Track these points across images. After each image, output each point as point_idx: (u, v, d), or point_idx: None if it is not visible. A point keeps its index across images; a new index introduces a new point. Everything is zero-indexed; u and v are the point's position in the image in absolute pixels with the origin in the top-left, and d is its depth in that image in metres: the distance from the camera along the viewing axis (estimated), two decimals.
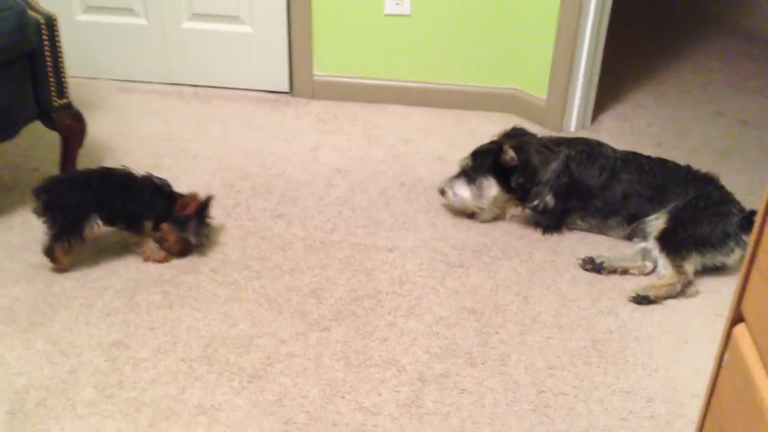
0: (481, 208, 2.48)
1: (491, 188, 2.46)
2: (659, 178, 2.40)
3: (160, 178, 2.24)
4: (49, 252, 2.10)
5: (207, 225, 2.25)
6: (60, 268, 2.13)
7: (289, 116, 3.16)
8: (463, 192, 2.46)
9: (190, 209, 2.19)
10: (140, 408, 1.71)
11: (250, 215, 2.46)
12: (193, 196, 2.21)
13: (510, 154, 2.41)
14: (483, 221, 2.50)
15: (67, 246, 2.10)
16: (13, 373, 1.79)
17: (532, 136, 2.56)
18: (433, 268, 2.25)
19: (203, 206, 2.21)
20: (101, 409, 1.70)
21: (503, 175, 2.45)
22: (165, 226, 2.18)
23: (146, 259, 2.20)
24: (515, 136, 2.54)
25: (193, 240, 2.22)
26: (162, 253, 2.20)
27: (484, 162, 2.45)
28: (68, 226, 2.09)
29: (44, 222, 2.10)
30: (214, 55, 3.29)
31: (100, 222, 2.13)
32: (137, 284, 2.11)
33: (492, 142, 2.52)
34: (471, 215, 2.50)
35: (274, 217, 2.46)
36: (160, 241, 2.21)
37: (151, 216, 2.18)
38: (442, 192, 2.49)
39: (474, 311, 2.08)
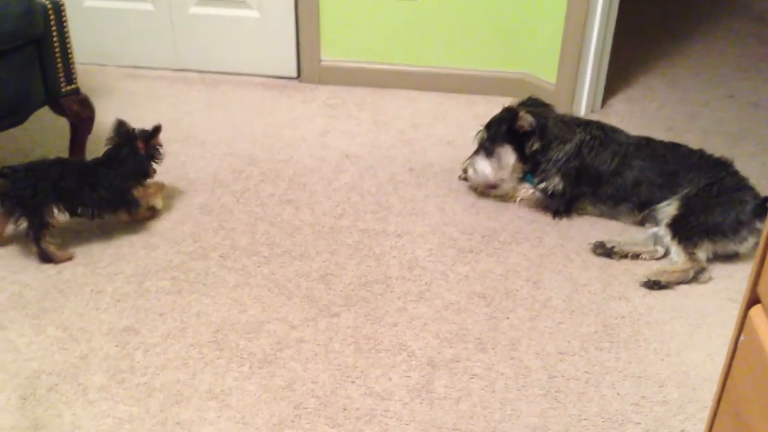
0: (503, 180, 2.46)
1: (509, 156, 2.44)
2: (671, 164, 2.38)
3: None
4: (43, 256, 2.10)
5: (161, 155, 2.31)
6: (63, 258, 2.13)
7: (296, 102, 3.15)
8: (483, 167, 2.44)
9: (141, 148, 2.24)
10: (151, 393, 1.72)
11: (258, 201, 2.46)
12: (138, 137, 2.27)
13: (527, 119, 2.39)
14: (505, 193, 2.49)
15: (46, 237, 2.09)
16: (25, 359, 1.79)
17: (549, 107, 2.53)
18: (443, 254, 2.24)
19: (150, 136, 2.26)
20: (112, 394, 1.71)
21: (519, 142, 2.43)
22: (137, 191, 2.22)
23: (137, 219, 2.27)
24: (531, 105, 2.51)
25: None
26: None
27: (499, 129, 2.43)
28: (35, 221, 2.07)
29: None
30: (221, 41, 3.27)
31: (62, 210, 2.13)
32: (147, 270, 2.11)
33: (504, 110, 2.50)
34: (493, 188, 2.49)
35: (282, 202, 2.45)
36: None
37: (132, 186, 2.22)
38: (464, 171, 2.50)
39: (484, 296, 2.07)
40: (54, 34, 2.26)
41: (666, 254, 2.25)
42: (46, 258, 2.10)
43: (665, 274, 2.14)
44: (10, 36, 2.14)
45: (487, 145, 2.45)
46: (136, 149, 2.24)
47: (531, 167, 2.46)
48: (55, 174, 2.12)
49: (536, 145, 2.41)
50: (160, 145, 2.30)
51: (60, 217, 2.14)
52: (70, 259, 2.14)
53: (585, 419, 1.70)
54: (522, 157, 2.44)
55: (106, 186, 2.16)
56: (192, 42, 3.29)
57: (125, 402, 1.69)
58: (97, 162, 2.23)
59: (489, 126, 2.47)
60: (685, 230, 2.22)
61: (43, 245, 2.09)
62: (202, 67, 3.34)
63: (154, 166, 2.29)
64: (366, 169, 2.67)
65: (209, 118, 2.98)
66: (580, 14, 2.90)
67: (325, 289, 2.07)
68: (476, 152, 2.48)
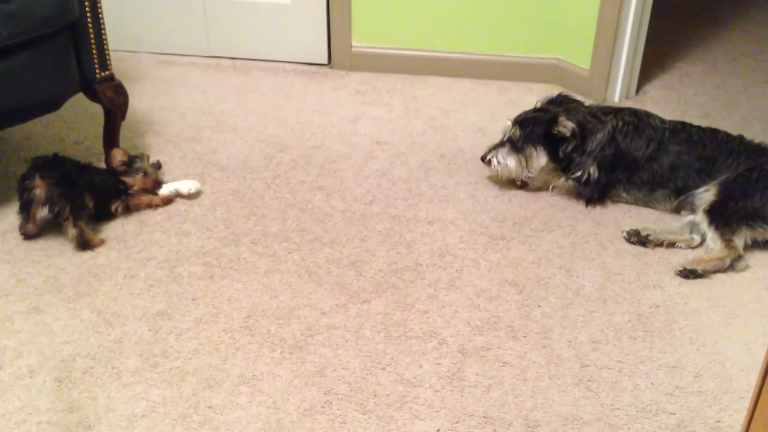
0: (530, 177, 2.44)
1: (540, 158, 2.41)
2: (709, 149, 2.33)
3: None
4: (81, 240, 2.13)
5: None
6: (98, 242, 2.15)
7: (327, 88, 3.14)
8: (510, 161, 2.41)
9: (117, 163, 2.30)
10: (184, 377, 1.73)
11: (289, 187, 2.46)
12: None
13: (568, 125, 2.36)
14: (533, 189, 2.47)
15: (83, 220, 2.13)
16: (60, 342, 1.82)
17: (579, 103, 2.50)
18: (474, 241, 2.23)
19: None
20: (146, 377, 1.73)
21: (552, 144, 2.40)
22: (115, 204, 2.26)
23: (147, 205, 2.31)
24: (561, 102, 2.48)
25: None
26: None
27: (534, 131, 2.40)
28: (75, 204, 2.12)
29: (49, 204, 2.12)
30: (253, 27, 3.27)
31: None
32: (179, 255, 2.13)
33: (538, 110, 2.47)
34: (523, 185, 2.46)
35: (313, 189, 2.45)
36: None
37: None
38: (487, 161, 2.45)
39: (516, 284, 2.05)
40: (89, 20, 2.28)
41: (702, 243, 2.21)
42: (82, 242, 2.13)
43: (701, 263, 2.11)
44: (45, 21, 2.16)
45: (518, 142, 2.41)
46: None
47: (564, 165, 2.42)
48: (74, 164, 2.22)
49: (570, 147, 2.38)
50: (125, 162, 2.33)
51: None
52: (103, 243, 2.16)
53: (618, 409, 1.68)
54: (554, 157, 2.41)
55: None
56: (224, 29, 3.29)
57: (158, 386, 1.71)
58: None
59: (523, 123, 2.42)
60: (722, 216, 2.17)
61: (83, 228, 2.12)
62: (233, 53, 3.34)
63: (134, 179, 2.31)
64: (397, 155, 2.66)
65: (241, 105, 2.99)
66: None
67: (355, 276, 2.07)
68: (502, 144, 2.44)
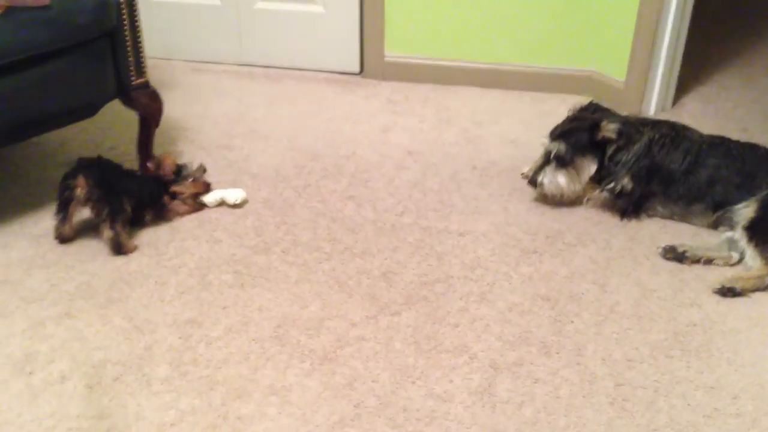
0: (575, 191, 2.39)
1: (592, 167, 2.36)
2: (749, 164, 2.28)
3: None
4: (116, 243, 2.14)
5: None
6: (132, 248, 2.17)
7: (359, 97, 3.14)
8: (560, 178, 2.35)
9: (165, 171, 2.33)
10: (213, 386, 1.73)
11: (320, 197, 2.45)
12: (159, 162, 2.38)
13: (612, 128, 2.32)
14: (572, 201, 2.43)
15: (120, 224, 2.15)
16: (91, 348, 1.83)
17: (612, 112, 2.46)
18: (506, 254, 2.20)
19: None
20: (176, 386, 1.72)
21: (598, 151, 2.36)
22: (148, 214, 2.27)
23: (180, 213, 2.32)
24: (594, 111, 2.44)
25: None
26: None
27: (580, 140, 2.35)
28: (115, 206, 2.14)
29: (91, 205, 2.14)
30: (285, 36, 3.28)
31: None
32: (210, 263, 2.13)
33: (574, 119, 2.43)
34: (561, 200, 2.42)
35: (344, 198, 2.44)
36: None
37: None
38: (537, 183, 2.38)
39: (548, 299, 2.02)
40: (126, 27, 2.30)
41: (741, 260, 2.16)
42: (117, 246, 2.14)
43: (740, 281, 2.06)
44: (84, 29, 2.18)
45: (567, 156, 2.34)
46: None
47: (604, 174, 2.38)
48: (116, 168, 2.25)
49: (613, 150, 2.34)
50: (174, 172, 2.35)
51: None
52: (136, 249, 2.17)
53: (654, 430, 1.64)
54: (601, 165, 2.38)
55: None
56: (257, 37, 3.31)
57: (188, 394, 1.70)
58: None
59: (564, 136, 2.37)
60: (763, 234, 2.12)
61: (120, 231, 2.13)
62: (266, 62, 3.35)
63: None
64: (428, 166, 2.64)
65: (272, 113, 2.99)
66: (654, 9, 2.80)
67: (386, 287, 2.05)
68: (547, 162, 2.38)
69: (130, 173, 2.29)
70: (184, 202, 2.32)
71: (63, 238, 2.18)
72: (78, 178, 2.11)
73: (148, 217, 2.27)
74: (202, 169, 2.39)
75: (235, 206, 2.37)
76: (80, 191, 2.10)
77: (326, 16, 3.21)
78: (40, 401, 1.67)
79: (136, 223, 2.25)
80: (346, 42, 3.25)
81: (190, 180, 2.33)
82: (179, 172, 2.34)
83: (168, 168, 2.33)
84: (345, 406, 1.68)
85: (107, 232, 2.13)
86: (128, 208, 2.17)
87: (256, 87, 3.21)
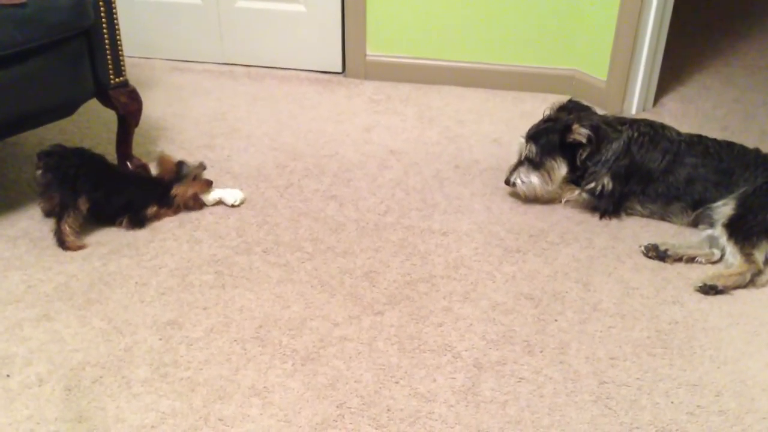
0: (549, 192, 2.41)
1: (562, 169, 2.38)
2: (726, 161, 2.30)
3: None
4: (59, 237, 2.12)
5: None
6: (75, 246, 2.14)
7: (341, 97, 3.12)
8: (533, 179, 2.37)
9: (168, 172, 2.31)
10: (194, 388, 1.70)
11: (302, 196, 2.43)
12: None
13: (583, 132, 2.32)
14: (551, 199, 2.44)
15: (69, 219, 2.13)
16: (70, 350, 1.80)
17: (591, 111, 2.47)
18: (489, 253, 2.19)
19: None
20: (156, 387, 1.70)
21: (570, 152, 2.37)
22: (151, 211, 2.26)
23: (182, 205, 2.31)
24: (571, 109, 2.45)
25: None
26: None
27: (550, 142, 2.36)
28: (66, 199, 2.12)
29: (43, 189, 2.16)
30: (267, 35, 3.26)
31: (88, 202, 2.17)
32: (190, 264, 2.10)
33: (549, 120, 2.43)
34: (536, 198, 2.43)
35: (326, 198, 2.43)
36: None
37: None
38: (512, 183, 2.41)
39: (532, 298, 2.02)
40: (104, 25, 2.27)
41: (722, 257, 2.17)
42: (60, 240, 2.12)
43: (721, 278, 2.07)
44: (61, 27, 2.15)
45: (536, 157, 2.37)
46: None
47: (580, 174, 2.39)
48: (99, 165, 2.23)
49: (585, 154, 2.35)
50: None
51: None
52: (82, 248, 2.14)
53: (637, 428, 1.64)
54: (572, 167, 2.38)
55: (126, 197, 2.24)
56: (238, 36, 3.28)
57: (168, 396, 1.68)
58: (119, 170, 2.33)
59: (536, 136, 2.38)
60: (742, 230, 2.14)
61: (63, 227, 2.11)
62: (247, 61, 3.33)
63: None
64: (411, 165, 2.64)
65: (254, 113, 2.97)
66: (634, 9, 2.82)
67: (368, 287, 2.04)
68: (520, 163, 2.40)
69: (121, 173, 2.30)
70: (186, 202, 2.30)
71: (45, 213, 2.24)
72: (40, 161, 2.15)
73: (150, 214, 2.26)
74: (202, 167, 2.35)
75: (233, 206, 2.35)
76: (38, 174, 2.15)
77: (308, 16, 3.20)
78: (17, 404, 1.64)
79: (137, 223, 2.23)
80: (328, 41, 3.23)
81: (192, 178, 2.30)
82: (179, 170, 2.30)
83: (167, 168, 2.30)
84: (328, 406, 1.67)
85: (54, 224, 2.13)
86: (82, 206, 2.13)
87: (238, 86, 3.18)
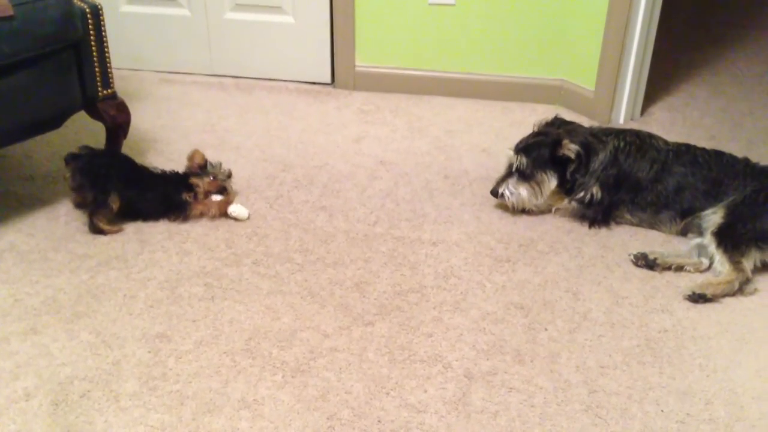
0: (537, 205, 2.42)
1: (552, 182, 2.39)
2: (715, 171, 2.31)
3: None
4: (94, 228, 2.23)
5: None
6: (113, 230, 2.25)
7: (331, 107, 3.13)
8: (522, 190, 2.38)
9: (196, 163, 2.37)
10: (183, 401, 1.69)
11: (292, 207, 2.43)
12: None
13: (572, 148, 2.34)
14: (540, 211, 2.45)
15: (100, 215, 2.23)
16: (57, 364, 1.78)
17: (578, 125, 2.48)
18: (479, 263, 2.19)
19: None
20: (144, 401, 1.69)
21: (559, 167, 2.38)
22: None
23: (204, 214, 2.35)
24: (559, 125, 2.47)
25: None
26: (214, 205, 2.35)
27: (541, 156, 2.37)
28: (98, 197, 2.22)
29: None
30: (256, 46, 3.27)
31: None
32: (180, 276, 2.09)
33: (538, 134, 2.45)
34: (523, 209, 2.44)
35: (316, 209, 2.43)
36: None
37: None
38: (498, 194, 2.41)
39: (522, 307, 2.02)
40: (92, 38, 2.27)
41: (711, 266, 2.18)
42: (96, 230, 2.23)
43: (710, 287, 2.07)
44: (48, 39, 2.14)
45: (526, 170, 2.37)
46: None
47: (568, 187, 2.40)
48: (127, 164, 2.32)
49: (573, 168, 2.36)
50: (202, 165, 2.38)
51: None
52: (120, 231, 2.26)
53: None
54: (561, 180, 2.39)
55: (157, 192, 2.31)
56: (227, 47, 3.28)
57: (157, 410, 1.67)
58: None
59: (527, 150, 2.39)
60: (731, 239, 2.15)
61: (96, 221, 2.21)
62: (236, 72, 3.33)
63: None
64: (401, 176, 2.64)
65: (243, 124, 2.97)
66: (621, 19, 2.84)
67: (359, 298, 2.03)
68: (510, 174, 2.41)
69: (145, 170, 2.34)
70: (211, 209, 2.34)
71: (75, 204, 2.34)
72: (68, 166, 2.25)
73: (169, 213, 2.32)
74: (227, 174, 2.39)
75: (238, 220, 2.36)
76: (69, 180, 2.25)
77: (297, 27, 3.20)
78: (4, 419, 1.63)
79: (149, 216, 2.30)
80: (317, 52, 3.24)
81: (210, 178, 2.34)
82: (205, 166, 2.36)
83: (194, 161, 2.36)
84: (318, 418, 1.66)
85: (87, 217, 2.25)
86: (114, 205, 2.22)
87: (227, 97, 3.18)
